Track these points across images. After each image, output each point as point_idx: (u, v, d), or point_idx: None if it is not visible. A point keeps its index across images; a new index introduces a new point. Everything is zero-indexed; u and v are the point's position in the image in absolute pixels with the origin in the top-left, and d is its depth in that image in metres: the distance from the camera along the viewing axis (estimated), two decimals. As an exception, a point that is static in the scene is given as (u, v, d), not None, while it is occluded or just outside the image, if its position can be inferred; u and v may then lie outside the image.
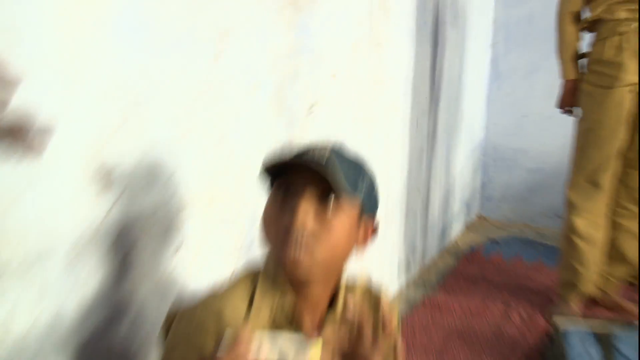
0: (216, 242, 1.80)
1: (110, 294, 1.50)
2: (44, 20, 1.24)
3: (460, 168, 4.21)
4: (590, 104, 2.87)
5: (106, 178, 1.42)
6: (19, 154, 0.83)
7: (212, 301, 1.27)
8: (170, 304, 1.40)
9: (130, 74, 1.46)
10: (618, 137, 2.84)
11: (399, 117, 3.02)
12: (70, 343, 1.41)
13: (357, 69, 2.52)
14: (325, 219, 1.24)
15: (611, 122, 2.81)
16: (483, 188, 4.78)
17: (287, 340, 1.12)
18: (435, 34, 3.41)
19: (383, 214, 2.91)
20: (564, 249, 3.05)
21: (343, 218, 1.26)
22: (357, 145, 2.54)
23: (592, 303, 3.14)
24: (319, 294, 1.33)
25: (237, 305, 1.27)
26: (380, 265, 3.09)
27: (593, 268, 3.01)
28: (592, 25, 2.88)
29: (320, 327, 1.33)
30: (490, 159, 4.72)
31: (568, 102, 3.00)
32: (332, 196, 1.25)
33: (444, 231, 4.04)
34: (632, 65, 2.73)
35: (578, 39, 2.93)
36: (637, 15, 2.70)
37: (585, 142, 2.90)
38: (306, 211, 1.22)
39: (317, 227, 1.23)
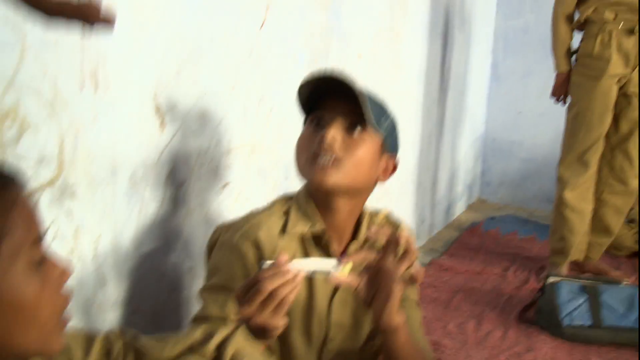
0: (256, 187, 1.76)
1: (164, 223, 1.47)
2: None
3: (464, 154, 4.15)
4: (580, 93, 2.82)
5: (163, 117, 1.38)
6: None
7: (249, 229, 1.23)
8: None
9: (187, 31, 1.43)
10: (604, 122, 2.80)
11: (412, 102, 2.98)
12: (127, 265, 1.38)
13: (380, 53, 2.47)
14: (350, 145, 1.20)
15: (599, 108, 2.77)
16: (483, 175, 4.72)
17: (319, 261, 1.08)
18: (445, 35, 3.36)
19: (397, 186, 2.85)
20: (555, 220, 2.99)
21: (366, 147, 1.22)
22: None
23: (579, 268, 3.07)
24: (344, 220, 1.28)
25: (271, 233, 1.23)
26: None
27: (580, 237, 2.95)
28: (582, 25, 2.83)
29: (345, 254, 1.28)
30: (489, 150, 4.66)
31: (561, 91, 2.95)
32: (358, 128, 1.21)
33: (448, 208, 3.98)
34: (617, 59, 2.70)
35: (571, 37, 2.89)
36: (623, 16, 2.66)
37: (575, 126, 2.84)
38: (334, 134, 1.18)
39: (343, 149, 1.19)
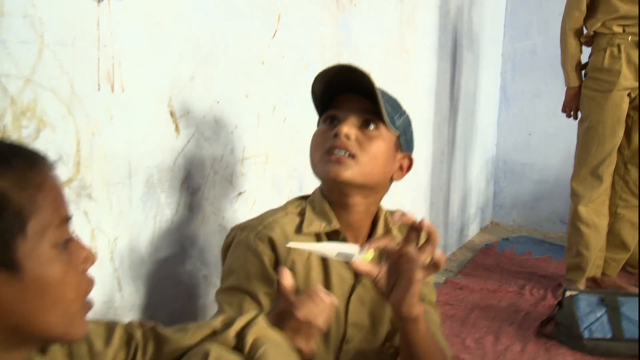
0: (271, 197, 1.75)
1: (180, 229, 1.46)
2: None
3: (476, 175, 4.13)
4: (591, 106, 2.81)
5: (177, 122, 1.39)
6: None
7: (264, 229, 1.22)
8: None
9: (200, 37, 1.44)
10: (617, 135, 2.78)
11: (423, 119, 2.97)
12: (143, 270, 1.37)
13: (390, 68, 2.48)
14: (365, 141, 1.19)
15: (610, 121, 2.75)
16: (495, 197, 4.68)
17: (342, 246, 1.06)
18: (454, 54, 3.38)
19: (410, 204, 2.84)
20: (570, 236, 2.95)
21: (381, 143, 1.21)
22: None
23: (597, 285, 3.02)
24: (360, 218, 1.26)
25: (286, 233, 1.22)
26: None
27: (596, 252, 2.91)
28: (590, 39, 2.83)
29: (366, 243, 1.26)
30: (501, 172, 4.63)
31: (572, 106, 2.93)
32: (372, 125, 1.20)
33: (462, 230, 3.95)
34: (627, 72, 2.70)
35: (580, 51, 2.89)
36: (631, 29, 2.67)
37: (587, 139, 2.83)
38: (349, 130, 1.18)
39: (358, 145, 1.18)
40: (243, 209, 1.64)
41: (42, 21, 1.03)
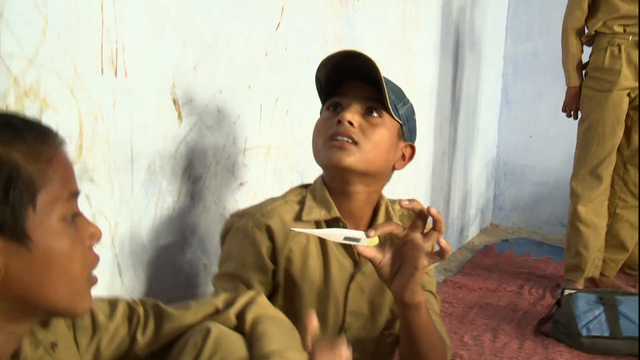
0: (272, 189, 1.75)
1: (181, 217, 1.46)
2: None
3: (476, 176, 4.12)
4: (591, 106, 2.80)
5: (180, 109, 1.39)
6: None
7: (262, 217, 1.22)
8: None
9: (204, 26, 1.44)
10: (617, 135, 2.77)
11: (425, 119, 2.97)
12: (144, 257, 1.36)
13: (392, 66, 2.48)
14: (368, 129, 1.19)
15: (610, 121, 2.75)
16: (495, 199, 4.68)
17: (348, 231, 1.06)
18: (456, 54, 3.38)
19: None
20: (569, 236, 2.94)
21: (384, 131, 1.21)
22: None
23: (594, 285, 3.01)
24: (361, 207, 1.26)
25: (284, 221, 1.22)
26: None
27: (595, 252, 2.90)
28: (591, 39, 2.83)
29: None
30: (501, 174, 4.63)
31: (572, 106, 2.93)
32: (375, 113, 1.20)
33: (462, 230, 3.94)
34: (627, 71, 2.70)
35: (581, 51, 2.88)
36: (631, 29, 2.66)
37: (587, 139, 2.82)
38: (352, 116, 1.17)
39: (361, 133, 1.18)
40: (244, 200, 1.64)
41: (46, 2, 1.03)
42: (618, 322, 2.26)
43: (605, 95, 2.73)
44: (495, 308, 2.73)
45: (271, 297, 1.20)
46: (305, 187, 1.32)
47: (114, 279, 1.28)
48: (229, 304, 0.92)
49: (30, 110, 1.04)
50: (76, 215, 0.72)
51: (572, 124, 2.98)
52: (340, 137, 1.16)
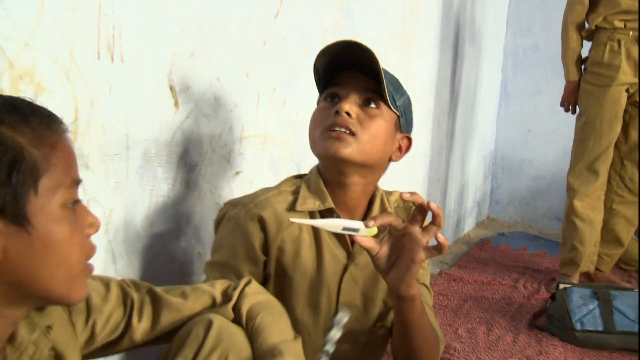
0: (268, 178, 1.74)
1: (176, 205, 1.45)
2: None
3: (473, 170, 4.12)
4: (589, 101, 2.79)
5: (176, 97, 1.38)
6: None
7: (254, 207, 1.21)
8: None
9: (202, 12, 1.43)
10: (614, 130, 2.77)
11: (423, 112, 2.96)
12: (138, 244, 1.36)
13: (391, 57, 2.47)
14: (365, 120, 1.18)
15: (608, 116, 2.74)
16: (492, 193, 4.68)
17: (347, 222, 1.06)
18: (456, 47, 3.36)
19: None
20: (565, 230, 2.94)
21: (382, 122, 1.20)
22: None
23: (589, 280, 3.02)
24: (357, 198, 1.25)
25: (277, 211, 1.21)
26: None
27: (590, 247, 2.90)
28: (591, 34, 2.82)
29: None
30: (499, 168, 4.63)
31: (570, 100, 2.92)
32: (373, 104, 1.19)
33: (458, 223, 3.94)
34: (626, 67, 2.69)
35: (581, 45, 2.87)
36: (632, 25, 2.65)
37: (585, 134, 2.81)
38: (350, 107, 1.16)
39: (358, 123, 1.17)
40: (240, 189, 1.63)
41: (42, -15, 1.02)
42: (612, 317, 2.27)
43: (604, 91, 2.72)
44: (490, 301, 2.73)
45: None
46: (300, 177, 1.31)
47: (107, 266, 1.27)
48: (225, 295, 0.93)
49: (24, 94, 1.03)
50: (76, 203, 0.72)
51: (571, 119, 2.97)
52: (337, 128, 1.15)
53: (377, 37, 2.33)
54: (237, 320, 0.94)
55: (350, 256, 1.26)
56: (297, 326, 1.22)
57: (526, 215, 4.59)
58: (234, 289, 0.95)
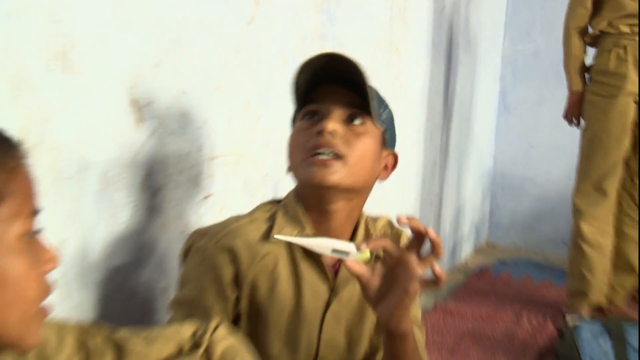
0: (241, 202, 1.74)
1: (137, 233, 1.44)
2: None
3: (470, 190, 4.15)
4: (595, 113, 2.83)
5: (139, 112, 1.38)
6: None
7: (224, 237, 1.21)
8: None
9: (167, 19, 1.44)
10: (622, 145, 2.79)
11: (414, 126, 2.99)
12: (95, 277, 1.35)
13: (378, 67, 2.49)
14: (352, 139, 1.18)
15: (616, 130, 2.77)
16: (491, 215, 4.71)
17: (338, 242, 1.06)
18: (449, 54, 3.40)
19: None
20: (572, 257, 2.96)
21: (369, 140, 1.20)
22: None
23: (601, 313, 3.03)
24: (342, 225, 1.25)
25: (250, 241, 1.21)
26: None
27: (600, 276, 2.91)
28: (595, 40, 2.86)
29: (339, 262, 1.25)
30: (498, 187, 4.66)
31: (575, 112, 2.96)
32: (359, 120, 1.20)
33: (454, 250, 3.96)
34: (634, 76, 2.71)
35: (584, 52, 2.91)
36: (638, 29, 2.68)
37: (591, 150, 2.84)
38: (334, 126, 1.17)
39: (345, 143, 1.17)
40: (209, 214, 1.63)
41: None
42: (626, 355, 2.28)
43: (610, 102, 2.75)
44: (491, 338, 2.75)
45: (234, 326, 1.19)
46: (277, 202, 1.31)
47: (60, 302, 1.26)
48: (194, 340, 0.93)
49: (-34, 111, 1.03)
50: (35, 236, 0.72)
51: (577, 133, 3.01)
52: (322, 150, 1.15)
53: (361, 45, 2.35)
54: None
55: (332, 290, 1.25)
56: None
57: (529, 240, 4.60)
58: (204, 332, 0.94)
